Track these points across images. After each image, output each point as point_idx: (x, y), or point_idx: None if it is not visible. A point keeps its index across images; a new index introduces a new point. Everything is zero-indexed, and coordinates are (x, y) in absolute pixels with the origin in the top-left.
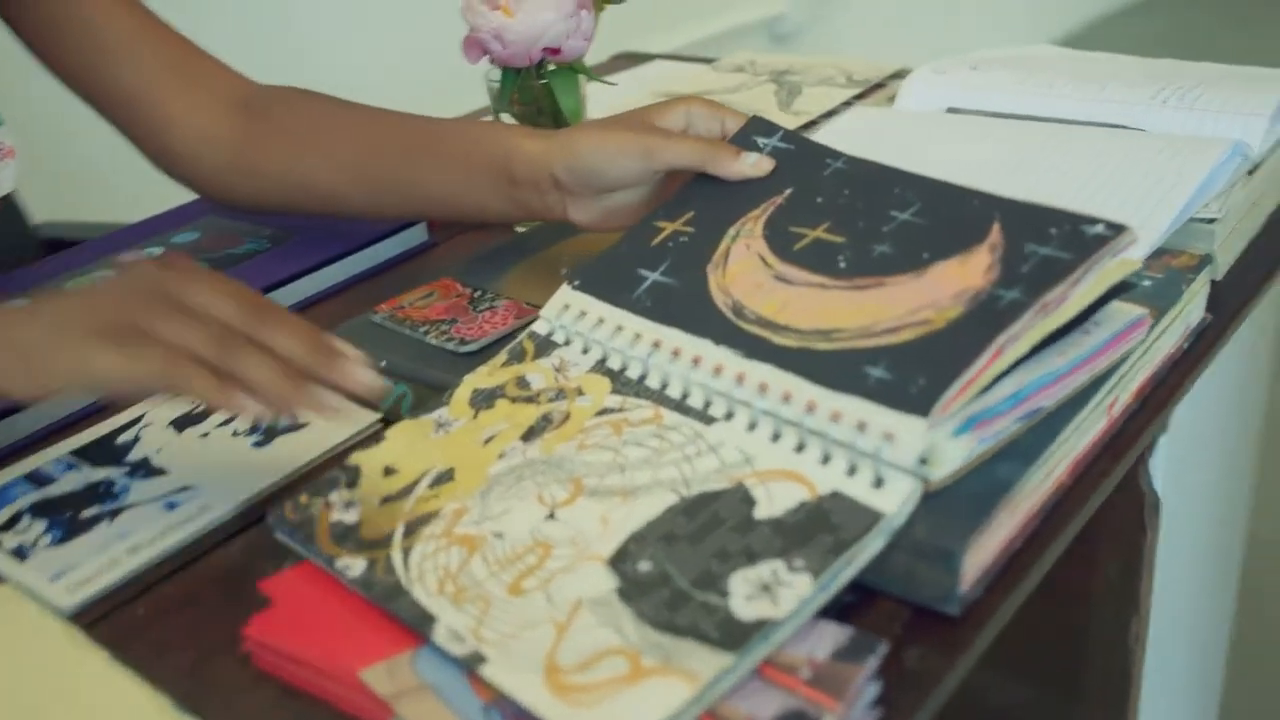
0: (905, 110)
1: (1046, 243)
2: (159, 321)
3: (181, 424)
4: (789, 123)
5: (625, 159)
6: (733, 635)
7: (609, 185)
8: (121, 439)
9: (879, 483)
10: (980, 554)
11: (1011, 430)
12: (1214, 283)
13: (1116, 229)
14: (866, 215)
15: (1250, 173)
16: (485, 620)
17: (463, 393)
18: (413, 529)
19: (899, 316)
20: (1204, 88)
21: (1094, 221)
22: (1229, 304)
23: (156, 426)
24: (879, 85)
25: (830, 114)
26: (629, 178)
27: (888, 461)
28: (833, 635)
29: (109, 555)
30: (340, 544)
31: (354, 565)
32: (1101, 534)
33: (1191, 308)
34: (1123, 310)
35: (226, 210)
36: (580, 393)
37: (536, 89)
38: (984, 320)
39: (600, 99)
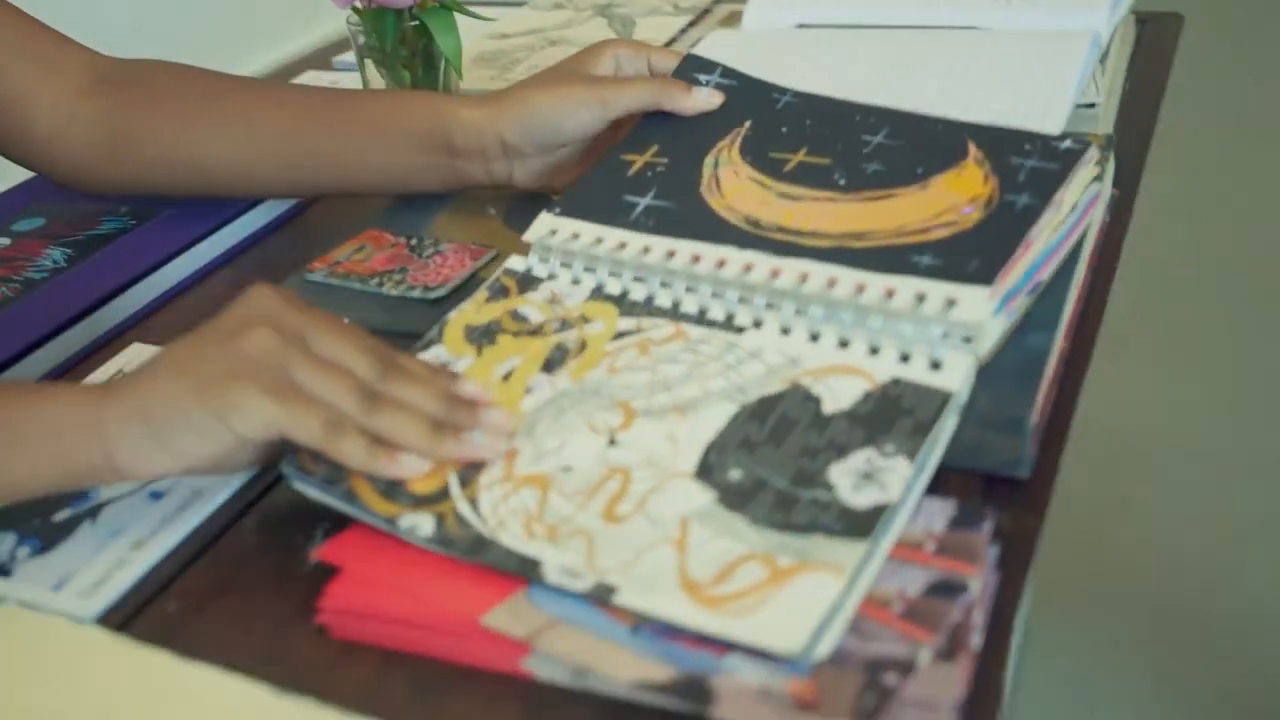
0: (757, 31)
1: (1028, 156)
2: (306, 374)
3: None
4: None
5: (582, 111)
6: (857, 523)
7: (564, 140)
8: None
9: (936, 365)
10: (1035, 417)
11: (1025, 304)
12: None
13: (1082, 143)
14: (841, 140)
15: (1102, 60)
16: (595, 552)
17: (454, 330)
18: (468, 479)
19: (924, 220)
20: None
21: (1061, 138)
22: (1127, 178)
23: None
24: (707, 11)
25: (671, 42)
26: (583, 129)
27: (951, 332)
28: (941, 509)
29: (111, 555)
30: (393, 500)
31: (421, 524)
32: None
33: (1108, 182)
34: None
35: (59, 196)
36: (586, 320)
37: (407, 32)
38: (1007, 220)
39: None
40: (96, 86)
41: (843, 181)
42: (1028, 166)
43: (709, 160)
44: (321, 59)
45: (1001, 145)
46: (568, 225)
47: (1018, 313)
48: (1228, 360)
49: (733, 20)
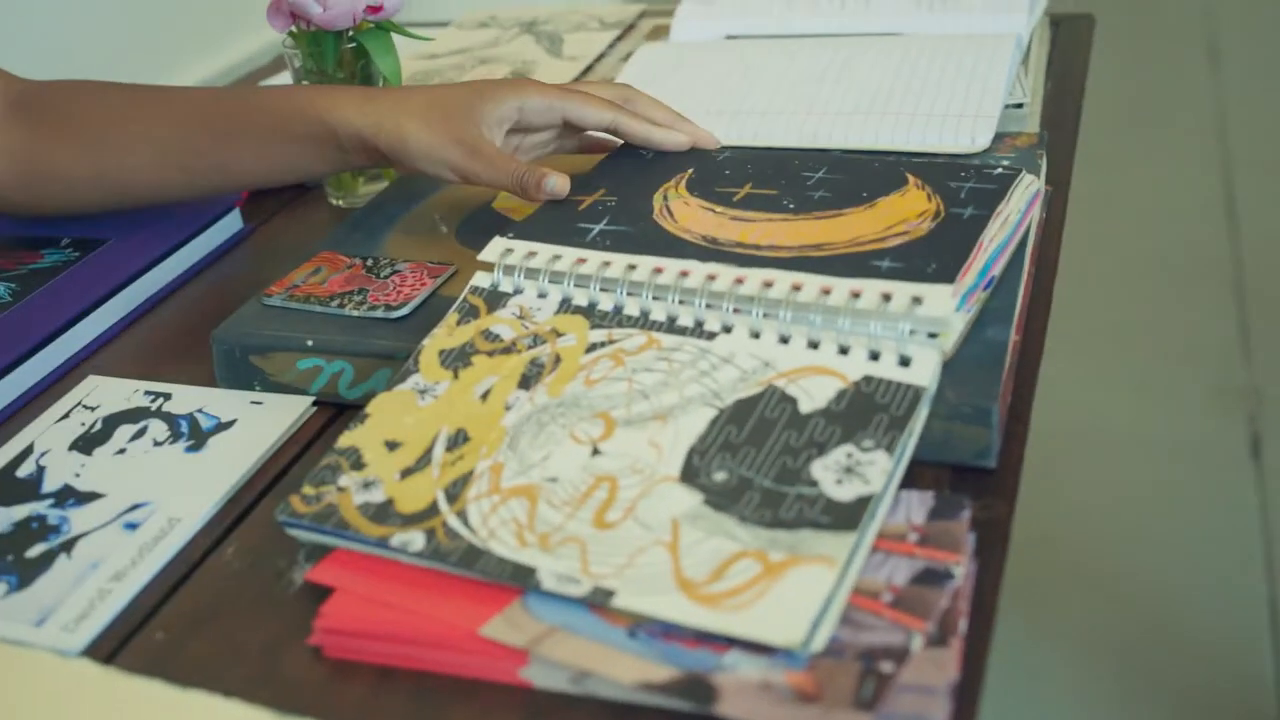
0: (687, 42)
1: (965, 180)
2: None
3: (86, 445)
4: (565, 70)
5: (446, 170)
6: (843, 516)
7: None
8: (22, 472)
9: (905, 361)
10: (999, 407)
11: (982, 300)
12: None
13: (1013, 170)
14: (784, 177)
15: (1024, 61)
16: (589, 558)
17: (429, 357)
18: (454, 494)
19: (878, 231)
20: None
21: (993, 166)
22: (1055, 174)
23: (57, 452)
24: (631, 26)
25: (600, 58)
26: (447, 176)
27: (917, 329)
28: (920, 501)
29: (91, 587)
30: (383, 522)
31: (412, 540)
32: None
33: (1042, 179)
34: (1024, 182)
35: (2, 226)
36: (558, 333)
37: (344, 54)
38: (957, 228)
39: None
40: (11, 115)
41: (792, 206)
42: (967, 187)
43: (658, 195)
44: (263, 75)
45: (935, 174)
46: (523, 246)
47: (976, 308)
48: (1151, 348)
49: (659, 34)
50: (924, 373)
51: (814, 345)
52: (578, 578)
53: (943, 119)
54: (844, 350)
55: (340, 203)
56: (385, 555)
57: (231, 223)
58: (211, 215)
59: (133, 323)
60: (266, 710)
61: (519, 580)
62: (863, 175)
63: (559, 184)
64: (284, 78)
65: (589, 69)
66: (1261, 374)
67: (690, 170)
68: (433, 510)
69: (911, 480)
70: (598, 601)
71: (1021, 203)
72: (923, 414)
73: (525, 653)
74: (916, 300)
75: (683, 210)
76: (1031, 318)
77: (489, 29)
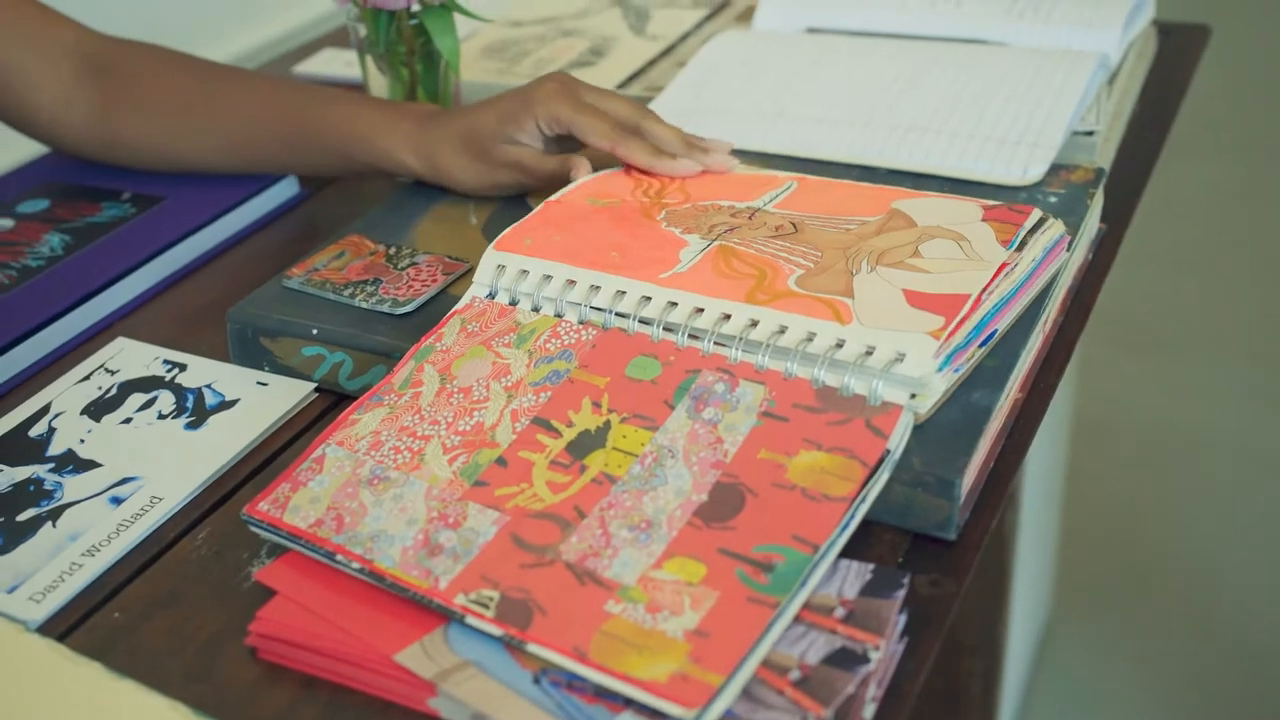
0: (766, 32)
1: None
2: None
3: (96, 411)
4: (648, 49)
5: (500, 187)
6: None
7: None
8: (34, 432)
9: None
10: (969, 478)
11: (976, 358)
12: None
13: (1041, 220)
14: None
15: (1110, 82)
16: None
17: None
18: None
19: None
20: (1054, 0)
21: (1022, 210)
22: (1118, 210)
23: (69, 415)
24: (725, 4)
25: (686, 37)
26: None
27: (891, 387)
28: (858, 573)
29: (65, 559)
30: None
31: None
32: None
33: (1093, 219)
34: (1047, 231)
35: (70, 172)
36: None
37: (406, 30)
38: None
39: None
40: (88, 75)
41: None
42: None
43: None
44: (320, 45)
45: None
46: (516, 261)
47: (969, 365)
48: (1271, 358)
49: (748, 17)
50: (892, 436)
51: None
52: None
53: (999, 145)
54: None
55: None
56: (332, 565)
57: (287, 188)
58: (270, 179)
59: (176, 283)
60: (188, 710)
61: (444, 610)
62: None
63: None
64: (327, 55)
65: (669, 49)
66: None
67: None
68: None
69: (867, 540)
70: (512, 643)
71: (1038, 250)
72: (883, 477)
73: (433, 685)
74: (900, 357)
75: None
76: (1045, 371)
77: None
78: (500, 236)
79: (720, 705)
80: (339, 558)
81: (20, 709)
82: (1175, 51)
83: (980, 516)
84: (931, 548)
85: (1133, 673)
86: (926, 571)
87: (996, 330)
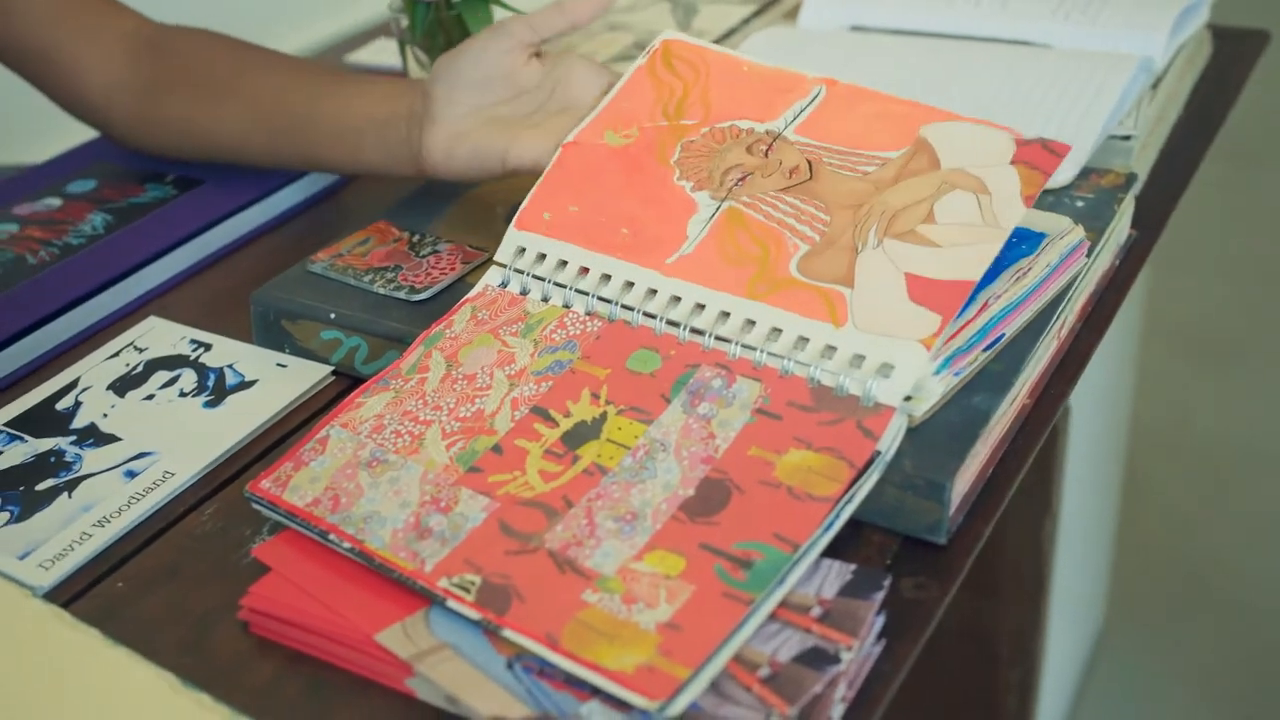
0: (809, 30)
1: None
2: None
3: (121, 387)
4: None
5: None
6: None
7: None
8: (61, 405)
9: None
10: (962, 483)
11: (980, 361)
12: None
13: (1064, 228)
14: None
15: (1154, 87)
16: None
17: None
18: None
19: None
20: (1102, 1)
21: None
22: (1150, 218)
23: (96, 390)
24: (772, 2)
25: (731, 33)
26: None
27: (886, 389)
28: (838, 573)
29: (76, 529)
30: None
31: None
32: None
33: (1122, 225)
34: (1065, 237)
35: (119, 155)
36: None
37: (446, 20)
38: None
39: None
40: (137, 57)
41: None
42: None
43: None
44: (375, 35)
45: None
46: (536, 243)
47: (971, 369)
48: None
49: (798, 13)
50: (885, 436)
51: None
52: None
53: None
54: None
55: None
56: (326, 544)
57: (325, 174)
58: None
59: (212, 265)
60: (175, 679)
61: (426, 593)
62: None
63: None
64: (379, 45)
65: (714, 44)
66: None
67: None
68: None
69: (857, 540)
70: (489, 628)
71: (1054, 256)
72: (871, 479)
73: (410, 665)
74: (887, 366)
75: None
76: (1058, 378)
77: None
78: (520, 209)
79: (685, 698)
80: (332, 537)
81: (15, 672)
82: (1229, 57)
83: (974, 522)
84: (921, 551)
85: (1185, 691)
86: (914, 575)
87: (1004, 334)
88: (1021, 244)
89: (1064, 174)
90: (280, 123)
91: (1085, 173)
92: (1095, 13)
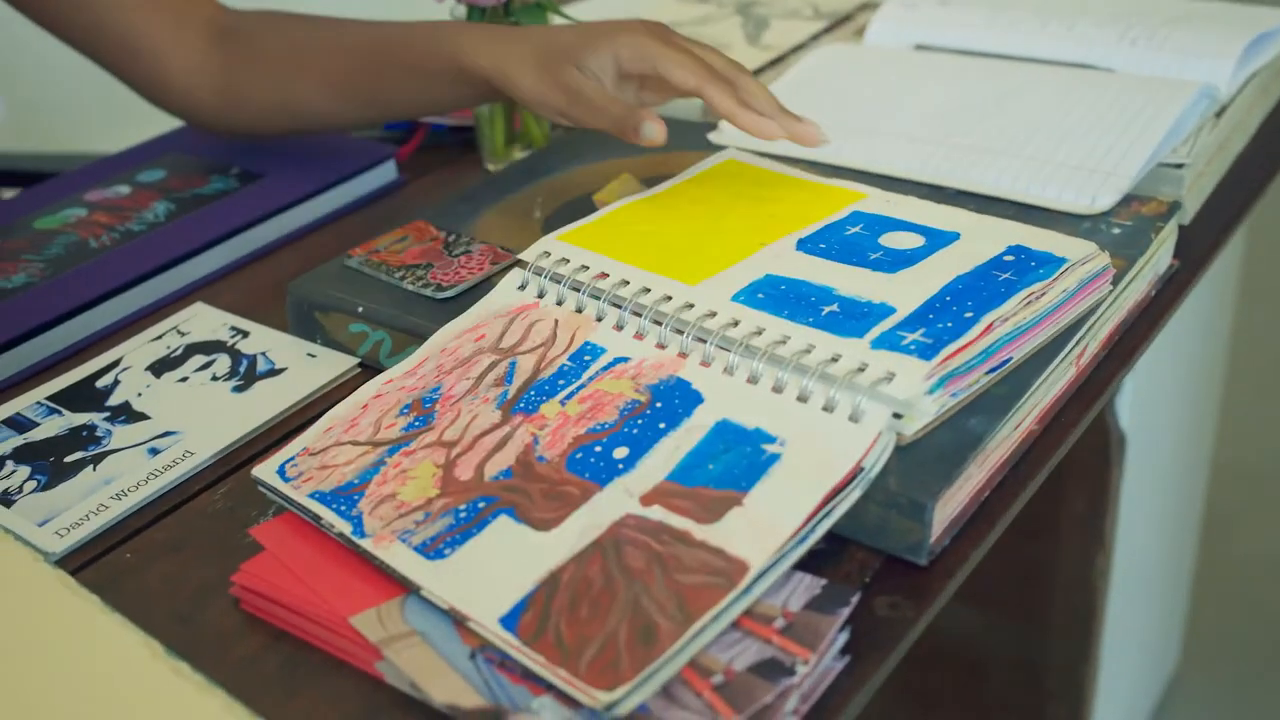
0: (873, 47)
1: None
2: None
3: (159, 369)
4: (756, 57)
5: (551, 108)
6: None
7: None
8: (101, 383)
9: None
10: (950, 505)
11: (982, 383)
12: (1181, 228)
13: (1087, 254)
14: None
15: (1218, 115)
16: None
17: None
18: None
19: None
20: (1172, 26)
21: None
22: (1197, 250)
23: (135, 370)
24: (846, 18)
25: (798, 49)
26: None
27: (879, 399)
28: (807, 586)
29: (95, 500)
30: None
31: (339, 520)
32: (1069, 470)
33: (1160, 254)
34: (1087, 263)
35: (190, 147)
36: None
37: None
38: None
39: None
40: (217, 44)
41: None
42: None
43: None
44: None
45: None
46: (560, 248)
47: (971, 391)
48: None
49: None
50: (869, 455)
51: (778, 390)
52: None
53: (1072, 171)
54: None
55: (493, 168)
56: (319, 528)
57: (385, 172)
58: (368, 162)
59: (264, 256)
60: (160, 648)
61: (404, 581)
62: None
63: (655, 130)
64: None
65: (778, 59)
66: None
67: None
68: None
69: (839, 556)
70: (458, 619)
71: (1072, 282)
72: (852, 495)
73: (379, 650)
74: (890, 376)
75: None
76: (1072, 406)
77: (706, 4)
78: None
79: (633, 700)
80: (324, 521)
81: (11, 627)
82: None
83: (960, 545)
84: (902, 571)
85: None
86: (890, 594)
87: (1011, 358)
88: (1040, 268)
89: (1103, 200)
90: (354, 84)
91: (1127, 200)
92: (1163, 38)
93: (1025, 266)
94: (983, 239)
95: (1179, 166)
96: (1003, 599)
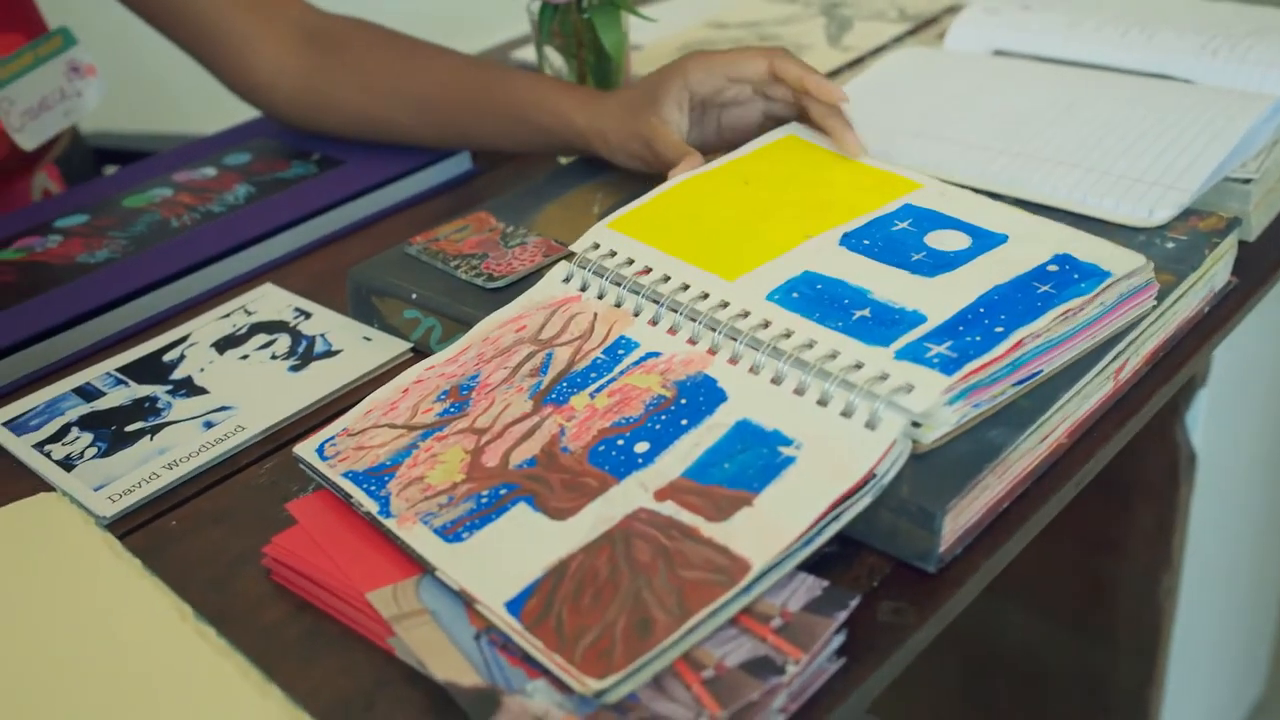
0: (952, 51)
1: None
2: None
3: (223, 345)
4: (835, 58)
5: (634, 157)
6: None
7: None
8: (167, 357)
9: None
10: (963, 515)
11: (1009, 394)
12: (1245, 244)
13: (1134, 267)
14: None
15: None
16: None
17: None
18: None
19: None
20: (1255, 38)
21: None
22: (1259, 268)
23: (200, 346)
24: (931, 21)
25: (879, 50)
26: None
27: (897, 407)
28: (808, 588)
29: (148, 469)
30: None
31: (367, 500)
32: (1137, 487)
33: (1216, 271)
34: (1131, 277)
35: (277, 132)
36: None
37: (578, 23)
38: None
39: (645, 30)
40: (304, 44)
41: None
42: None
43: None
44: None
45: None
46: (610, 238)
47: (996, 402)
48: None
49: None
50: (883, 461)
51: (799, 393)
52: None
53: (1132, 183)
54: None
55: (564, 161)
56: (350, 506)
57: (460, 162)
58: (445, 151)
59: (337, 240)
60: (189, 611)
61: (422, 561)
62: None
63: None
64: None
65: (857, 61)
66: None
67: None
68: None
69: (850, 560)
70: (468, 600)
71: (1111, 297)
72: (862, 500)
73: (390, 625)
74: (909, 386)
75: None
76: (1106, 421)
77: (793, 4)
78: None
79: (622, 689)
80: (354, 500)
81: (55, 585)
82: None
83: (973, 555)
84: (911, 578)
85: None
86: (895, 600)
87: (1041, 370)
88: (1081, 281)
89: (1161, 213)
90: (445, 114)
91: (1186, 214)
92: (1245, 50)
93: (1067, 279)
94: (1030, 244)
95: (1246, 181)
96: (1066, 611)
